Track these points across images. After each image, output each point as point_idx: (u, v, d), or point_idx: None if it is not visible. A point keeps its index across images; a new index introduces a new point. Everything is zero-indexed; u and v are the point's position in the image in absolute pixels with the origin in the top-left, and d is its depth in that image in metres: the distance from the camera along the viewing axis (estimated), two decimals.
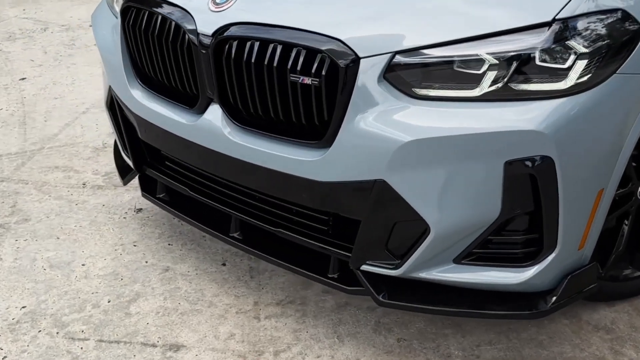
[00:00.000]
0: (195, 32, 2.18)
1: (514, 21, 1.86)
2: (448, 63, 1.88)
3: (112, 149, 3.80)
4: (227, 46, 2.12)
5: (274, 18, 2.07)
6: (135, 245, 3.02)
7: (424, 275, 2.08)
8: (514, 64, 1.85)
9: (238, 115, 2.21)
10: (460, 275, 2.06)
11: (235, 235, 2.47)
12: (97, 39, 2.72)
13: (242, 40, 2.09)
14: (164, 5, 2.32)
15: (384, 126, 1.92)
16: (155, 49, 2.36)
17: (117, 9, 2.67)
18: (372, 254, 2.11)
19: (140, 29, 2.38)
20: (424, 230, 1.99)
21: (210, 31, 2.15)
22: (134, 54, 2.49)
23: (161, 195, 2.73)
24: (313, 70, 1.97)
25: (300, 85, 2.00)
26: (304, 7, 2.08)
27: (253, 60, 2.07)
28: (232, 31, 2.11)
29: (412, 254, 2.04)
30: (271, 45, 2.04)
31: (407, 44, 1.90)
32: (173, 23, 2.27)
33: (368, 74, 1.92)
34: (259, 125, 2.18)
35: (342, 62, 1.92)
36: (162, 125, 2.42)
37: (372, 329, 2.51)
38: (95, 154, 3.80)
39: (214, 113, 2.26)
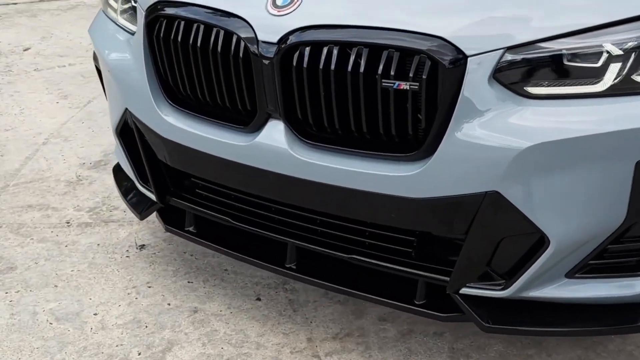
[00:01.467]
0: (254, 40, 1.91)
1: (634, 9, 1.70)
2: (565, 57, 1.70)
3: (89, 182, 3.44)
4: (296, 54, 1.86)
5: (353, 18, 1.83)
6: (150, 287, 2.69)
7: (534, 294, 1.88)
8: (634, 55, 1.69)
9: (305, 132, 1.96)
10: (574, 290, 1.88)
11: (291, 266, 2.20)
12: (104, 58, 2.39)
13: (317, 45, 1.84)
14: (207, 12, 2.03)
15: (497, 132, 1.72)
16: (195, 63, 2.07)
17: (128, 23, 2.36)
18: (475, 275, 1.90)
19: (176, 41, 2.09)
20: (541, 243, 1.79)
21: (274, 38, 1.89)
22: (163, 71, 2.19)
23: (190, 228, 2.42)
24: (411, 74, 1.74)
25: (393, 92, 1.77)
26: (388, 3, 1.85)
27: (333, 68, 1.82)
28: (303, 36, 1.85)
29: (524, 272, 1.84)
30: (354, 49, 1.80)
31: (520, 38, 1.70)
32: (222, 32, 1.99)
33: (476, 74, 1.71)
34: (330, 141, 1.93)
35: (446, 63, 1.71)
36: (204, 149, 2.13)
37: (448, 356, 2.29)
38: (70, 188, 3.42)
39: (274, 130, 1.99)
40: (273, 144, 1.99)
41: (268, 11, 1.93)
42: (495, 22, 1.73)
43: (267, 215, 2.21)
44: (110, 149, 3.73)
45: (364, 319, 2.46)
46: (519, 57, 1.70)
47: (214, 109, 2.13)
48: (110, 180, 3.42)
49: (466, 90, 1.72)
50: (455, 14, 1.76)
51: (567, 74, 1.70)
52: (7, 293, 2.69)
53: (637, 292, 1.88)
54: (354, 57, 1.80)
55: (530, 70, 1.71)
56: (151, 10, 2.15)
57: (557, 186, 1.73)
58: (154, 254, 2.88)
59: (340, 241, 2.09)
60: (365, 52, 1.78)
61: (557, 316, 1.94)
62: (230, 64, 1.99)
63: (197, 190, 2.37)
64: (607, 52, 1.68)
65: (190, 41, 2.05)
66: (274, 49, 1.89)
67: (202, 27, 2.04)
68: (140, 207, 2.54)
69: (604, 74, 1.69)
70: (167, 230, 2.47)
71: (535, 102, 1.72)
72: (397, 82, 1.75)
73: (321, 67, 1.84)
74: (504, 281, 1.88)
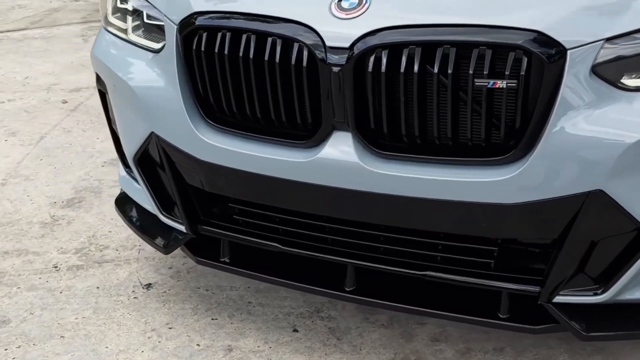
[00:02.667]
0: (320, 47, 1.77)
1: None
2: None
3: (67, 222, 3.15)
4: (372, 58, 1.73)
5: (433, 17, 1.72)
6: (171, 328, 2.46)
7: (631, 296, 1.81)
8: None
9: (376, 142, 1.82)
10: None
11: (351, 289, 2.04)
12: (122, 80, 2.18)
13: (396, 47, 1.72)
14: (258, 20, 1.87)
15: (601, 127, 1.65)
16: (246, 76, 1.90)
17: (145, 40, 2.16)
18: (569, 282, 1.80)
19: (222, 54, 1.91)
20: None
21: (346, 43, 1.75)
22: (202, 89, 2.00)
23: (226, 259, 2.22)
24: (507, 71, 1.65)
25: (487, 92, 1.67)
26: None
27: (416, 70, 1.70)
28: (378, 39, 1.73)
29: (622, 274, 1.77)
30: (440, 49, 1.69)
31: (618, 28, 1.64)
32: (279, 41, 1.83)
33: (576, 68, 1.63)
34: (405, 150, 1.80)
35: (546, 57, 1.62)
36: (254, 170, 1.96)
37: None
38: (47, 230, 3.12)
39: (340, 143, 1.85)
40: (341, 157, 1.84)
41: (334, 15, 1.79)
42: (593, 12, 1.66)
43: (322, 236, 2.05)
44: (81, 184, 3.47)
45: (415, 341, 2.33)
46: (617, 48, 1.64)
47: (265, 126, 1.96)
48: (91, 218, 3.16)
49: (566, 85, 1.64)
50: (549, 5, 1.68)
51: None
52: (6, 350, 2.39)
53: None
54: (440, 57, 1.68)
55: (630, 61, 1.65)
56: (186, 23, 1.97)
57: None
58: (165, 292, 2.65)
59: (410, 258, 1.95)
60: (452, 51, 1.67)
61: None
62: (291, 74, 1.84)
63: (234, 217, 2.18)
64: None
65: (241, 53, 1.88)
66: (344, 55, 1.75)
67: (253, 37, 1.87)
68: (164, 240, 2.31)
69: None
70: (198, 263, 2.26)
71: (635, 94, 1.65)
72: (492, 81, 1.65)
73: (402, 70, 1.71)
74: (599, 285, 1.80)
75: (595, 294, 1.81)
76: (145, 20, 2.19)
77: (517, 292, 1.87)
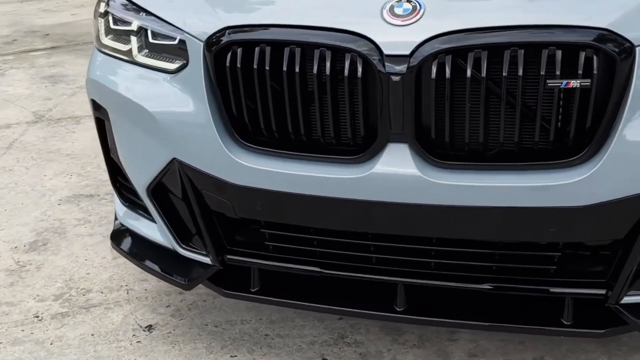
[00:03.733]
0: (377, 55, 1.69)
1: None
2: None
3: (36, 267, 2.90)
4: (435, 64, 1.67)
5: (494, 19, 1.68)
6: None
7: None
8: None
9: (436, 152, 1.75)
10: None
11: (402, 309, 1.95)
12: (135, 104, 2.00)
13: (460, 52, 1.66)
14: (301, 32, 1.77)
15: None
16: (290, 90, 1.79)
17: (155, 61, 2.01)
18: (638, 281, 1.78)
19: (262, 69, 1.79)
20: None
21: (406, 50, 1.67)
22: (236, 108, 1.87)
23: (257, 289, 2.08)
24: (580, 70, 1.62)
25: (559, 92, 1.64)
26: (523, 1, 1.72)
27: (484, 74, 1.65)
28: (442, 44, 1.66)
29: None
30: (507, 52, 1.64)
31: None
32: (328, 52, 1.73)
33: None
34: (465, 158, 1.74)
35: (617, 55, 1.61)
36: (299, 191, 1.84)
37: None
38: (15, 277, 2.85)
39: (395, 156, 1.77)
40: (399, 171, 1.76)
41: (388, 22, 1.71)
42: None
43: (367, 256, 1.95)
44: (41, 226, 3.20)
45: (452, 358, 2.25)
46: None
47: (309, 143, 1.85)
48: (62, 261, 2.92)
49: (636, 82, 1.63)
50: (613, 3, 1.67)
51: None
52: None
53: None
54: (508, 59, 1.64)
55: None
56: (216, 39, 1.84)
57: None
58: (170, 333, 2.46)
59: (466, 271, 1.89)
60: (520, 53, 1.63)
61: None
62: (344, 86, 1.74)
63: (266, 243, 2.04)
64: None
65: (285, 67, 1.77)
66: (404, 63, 1.67)
67: (298, 49, 1.76)
68: (184, 275, 2.14)
69: None
70: (227, 296, 2.10)
71: None
72: (566, 81, 1.62)
73: (469, 75, 1.65)
74: None
75: None
76: (151, 40, 2.04)
77: (583, 296, 1.84)
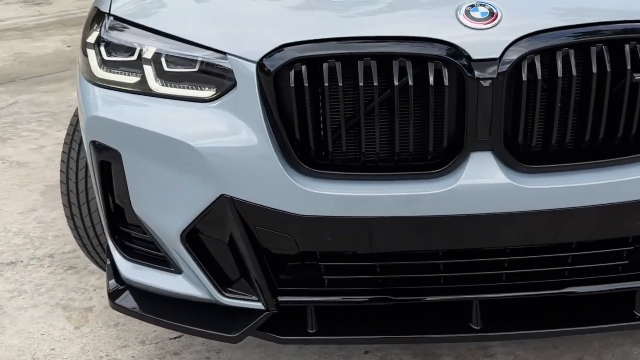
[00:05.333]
0: (464, 61, 1.62)
1: None
2: None
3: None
4: (524, 65, 1.63)
5: (569, 19, 1.68)
6: None
7: None
8: None
9: (522, 157, 1.71)
10: None
11: (478, 327, 1.87)
12: (172, 140, 1.77)
13: (549, 52, 1.64)
14: (373, 43, 1.66)
15: None
16: (367, 105, 1.67)
17: (185, 90, 1.80)
18: None
19: (334, 85, 1.66)
20: None
21: (496, 53, 1.63)
22: (300, 130, 1.71)
23: (315, 330, 1.90)
24: None
25: None
26: None
27: (574, 73, 1.64)
28: (530, 45, 1.64)
29: None
30: (594, 48, 1.64)
31: None
32: (409, 62, 1.64)
33: None
34: (551, 160, 1.72)
35: None
36: (377, 213, 1.72)
37: None
38: None
39: (480, 165, 1.71)
40: (487, 180, 1.70)
41: (469, 26, 1.65)
42: None
43: (436, 277, 1.86)
44: None
45: None
46: None
47: (383, 161, 1.73)
48: (13, 340, 2.52)
49: None
50: None
51: None
52: None
53: None
54: (596, 56, 1.64)
55: None
56: (274, 58, 1.68)
57: None
58: None
59: (547, 277, 1.85)
60: (605, 49, 1.64)
61: None
62: (428, 96, 1.65)
63: (324, 277, 1.88)
64: None
65: (361, 82, 1.65)
66: (494, 66, 1.62)
67: (373, 62, 1.65)
68: (228, 326, 1.90)
69: None
70: (284, 342, 1.90)
71: None
72: None
73: (560, 74, 1.64)
74: None
75: None
76: (167, 68, 1.82)
77: None
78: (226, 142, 1.74)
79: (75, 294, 2.76)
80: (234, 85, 1.74)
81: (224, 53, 1.75)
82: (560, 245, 1.82)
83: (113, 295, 2.10)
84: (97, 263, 2.56)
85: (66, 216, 2.48)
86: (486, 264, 1.84)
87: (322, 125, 1.71)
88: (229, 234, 1.82)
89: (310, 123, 1.70)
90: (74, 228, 2.46)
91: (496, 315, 1.90)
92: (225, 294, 1.90)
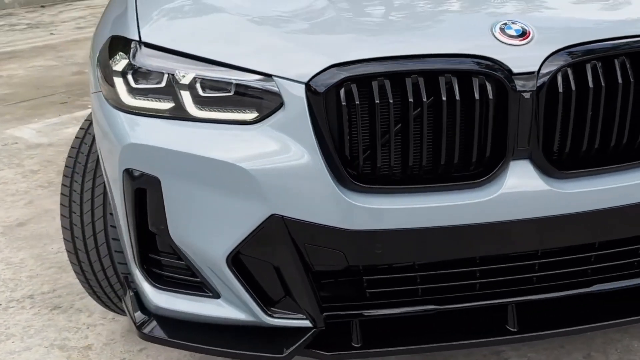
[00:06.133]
0: (507, 75, 1.73)
1: None
2: None
3: None
4: (560, 76, 1.76)
5: (594, 33, 1.82)
6: None
7: None
8: None
9: (558, 164, 1.84)
10: None
11: (515, 329, 1.97)
12: (220, 162, 1.78)
13: (580, 64, 1.77)
14: (418, 61, 1.74)
15: None
16: (417, 121, 1.75)
17: (224, 113, 1.83)
18: None
19: (385, 102, 1.72)
20: None
21: (534, 67, 1.74)
22: (350, 147, 1.77)
23: (360, 345, 1.94)
24: None
25: None
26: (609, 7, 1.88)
27: (603, 84, 1.78)
28: (562, 58, 1.76)
29: None
30: (618, 60, 1.79)
31: None
32: (454, 78, 1.73)
33: None
34: (584, 164, 1.85)
35: None
36: (425, 224, 1.79)
37: None
38: None
39: (520, 173, 1.81)
40: (528, 187, 1.80)
41: (506, 43, 1.76)
42: None
43: (474, 283, 1.94)
44: None
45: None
46: None
47: (428, 172, 1.81)
48: None
49: None
50: None
51: None
52: None
53: None
54: (619, 67, 1.79)
55: None
56: (323, 78, 1.73)
57: None
58: None
59: (571, 277, 1.97)
60: (624, 61, 1.79)
61: None
62: (474, 109, 1.74)
63: (367, 291, 1.93)
64: None
65: (411, 98, 1.73)
66: (533, 79, 1.74)
67: (421, 79, 1.73)
68: (274, 347, 1.91)
69: None
70: (336, 358, 1.92)
71: None
72: None
73: (591, 85, 1.77)
74: None
75: None
76: (208, 93, 1.84)
77: None
78: (277, 163, 1.77)
79: (68, 333, 2.67)
80: (280, 106, 1.78)
81: (270, 75, 1.78)
82: (587, 246, 1.94)
83: (141, 326, 2.06)
84: (99, 298, 2.49)
85: (67, 251, 2.41)
86: (522, 268, 1.94)
87: (369, 141, 1.76)
88: (277, 254, 1.83)
89: (360, 139, 1.76)
90: (77, 263, 2.39)
91: (527, 317, 1.99)
92: (271, 314, 1.91)
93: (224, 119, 1.82)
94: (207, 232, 1.86)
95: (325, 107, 1.74)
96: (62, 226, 2.39)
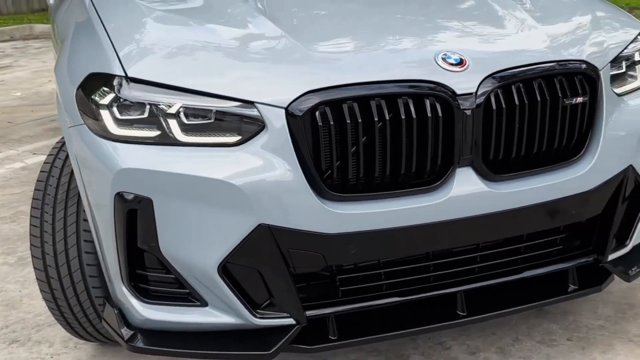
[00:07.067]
0: (452, 96, 2.08)
1: None
2: None
3: None
4: (492, 96, 2.13)
5: (515, 61, 2.21)
6: None
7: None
8: None
9: (494, 169, 2.20)
10: None
11: (465, 314, 2.30)
12: (210, 180, 2.01)
13: (508, 85, 2.15)
14: (379, 86, 2.06)
15: (631, 117, 2.35)
16: (381, 137, 2.06)
17: (208, 137, 2.08)
18: (616, 241, 2.44)
19: (355, 122, 2.02)
20: None
21: (472, 89, 2.10)
22: (325, 162, 2.05)
23: (336, 337, 2.21)
24: (580, 90, 2.24)
25: (569, 107, 2.23)
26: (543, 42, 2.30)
27: (526, 101, 2.17)
28: (493, 81, 2.14)
29: (635, 227, 2.48)
30: (535, 82, 2.19)
31: (612, 53, 2.39)
32: (410, 100, 2.06)
33: (606, 81, 2.32)
34: (514, 169, 2.22)
35: (594, 76, 2.28)
36: (392, 225, 2.10)
37: None
38: None
39: (464, 178, 2.16)
40: (472, 190, 2.15)
41: (449, 70, 2.12)
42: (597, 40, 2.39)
43: (427, 276, 2.26)
44: None
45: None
46: (613, 67, 2.38)
47: (390, 181, 2.11)
48: None
49: (606, 96, 2.31)
50: (575, 40, 2.35)
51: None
52: None
53: None
54: (537, 87, 2.18)
55: (619, 76, 2.41)
56: (300, 103, 2.02)
57: None
58: None
59: (508, 264, 2.33)
60: (540, 82, 2.19)
61: None
62: (428, 125, 2.07)
63: (340, 289, 2.20)
64: None
65: (376, 117, 2.04)
66: (472, 99, 2.10)
67: (382, 101, 2.05)
68: (260, 345, 2.14)
69: None
70: (315, 351, 2.17)
71: (623, 98, 2.40)
72: (575, 98, 2.22)
73: (517, 102, 2.15)
74: (627, 239, 2.48)
75: (625, 246, 2.48)
76: (193, 121, 2.07)
77: (584, 263, 2.42)
78: (263, 178, 2.02)
79: None
80: (261, 129, 2.04)
81: (252, 102, 2.04)
82: (517, 238, 2.31)
83: (130, 340, 2.23)
84: (69, 324, 2.59)
85: (38, 279, 2.52)
86: (467, 260, 2.28)
87: (341, 156, 2.05)
88: (263, 259, 2.07)
89: (334, 154, 2.04)
90: (49, 291, 2.51)
91: (473, 303, 2.33)
92: (258, 316, 2.13)
93: (211, 142, 2.06)
94: (198, 245, 2.07)
95: (303, 127, 2.02)
96: (33, 255, 2.51)
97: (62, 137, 2.57)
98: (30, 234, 2.51)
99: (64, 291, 2.47)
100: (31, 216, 2.52)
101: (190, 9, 2.68)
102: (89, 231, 2.35)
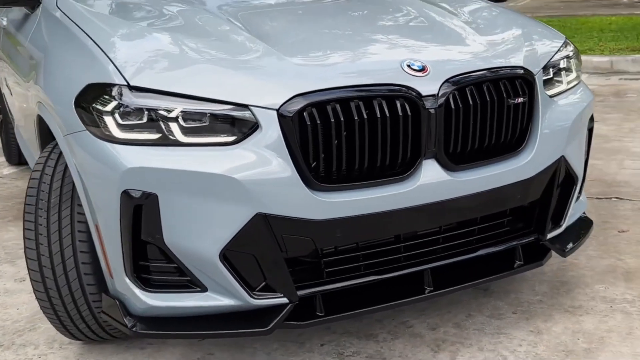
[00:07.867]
0: (418, 97, 2.41)
1: None
2: None
3: None
4: (450, 97, 2.48)
5: (467, 67, 2.57)
6: None
7: (571, 220, 2.94)
8: None
9: (454, 160, 2.54)
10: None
11: (431, 288, 2.63)
12: (211, 175, 2.26)
13: (463, 88, 2.51)
14: (357, 90, 2.37)
15: (561, 115, 2.76)
16: (361, 134, 2.35)
17: (205, 138, 2.33)
18: (553, 222, 2.83)
19: (338, 121, 2.32)
20: (571, 183, 2.87)
21: (434, 91, 2.44)
22: (314, 156, 2.33)
23: (323, 314, 2.48)
24: (521, 92, 2.62)
25: (512, 106, 2.61)
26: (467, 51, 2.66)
27: (478, 101, 2.53)
28: (451, 85, 2.49)
29: (569, 209, 2.89)
30: (484, 85, 2.56)
31: (543, 60, 2.79)
32: (383, 101, 2.38)
33: (540, 84, 2.72)
34: (469, 160, 2.57)
35: (531, 80, 2.67)
36: (371, 210, 2.40)
37: None
38: None
39: (429, 169, 2.49)
40: (436, 179, 2.48)
41: (414, 75, 2.45)
42: (536, 49, 2.79)
43: (399, 256, 2.58)
44: None
45: (425, 335, 2.94)
46: (547, 71, 2.79)
47: (367, 173, 2.42)
48: None
49: (541, 96, 2.71)
50: (516, 49, 2.74)
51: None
52: None
53: None
54: (486, 88, 2.55)
55: (551, 80, 2.82)
56: (290, 105, 2.30)
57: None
58: None
59: (465, 244, 2.68)
60: (488, 85, 2.56)
61: None
62: (399, 123, 2.39)
63: (326, 270, 2.48)
64: None
65: (356, 116, 2.34)
66: (434, 99, 2.44)
67: (361, 102, 2.37)
68: (259, 322, 2.39)
69: None
70: (307, 326, 2.44)
71: (554, 99, 2.82)
72: (517, 99, 2.61)
73: (471, 103, 2.51)
74: (562, 220, 2.87)
75: (561, 226, 2.88)
76: (185, 124, 2.32)
77: (528, 242, 2.79)
78: (259, 172, 2.28)
79: None
80: (256, 129, 2.31)
81: (247, 106, 2.31)
82: (472, 221, 2.66)
83: (133, 327, 2.43)
84: (61, 322, 2.75)
85: (33, 280, 2.67)
86: (432, 241, 2.61)
87: (327, 150, 2.34)
88: (260, 245, 2.33)
89: (321, 150, 2.33)
90: (43, 290, 2.67)
91: (437, 279, 2.65)
92: (255, 297, 2.39)
93: (211, 142, 2.31)
94: (201, 234, 2.31)
95: (293, 126, 2.30)
96: (28, 257, 2.67)
97: (49, 147, 2.76)
98: (25, 238, 2.67)
99: (59, 290, 2.64)
100: (25, 221, 2.68)
101: (176, 27, 2.88)
102: (84, 232, 2.54)
